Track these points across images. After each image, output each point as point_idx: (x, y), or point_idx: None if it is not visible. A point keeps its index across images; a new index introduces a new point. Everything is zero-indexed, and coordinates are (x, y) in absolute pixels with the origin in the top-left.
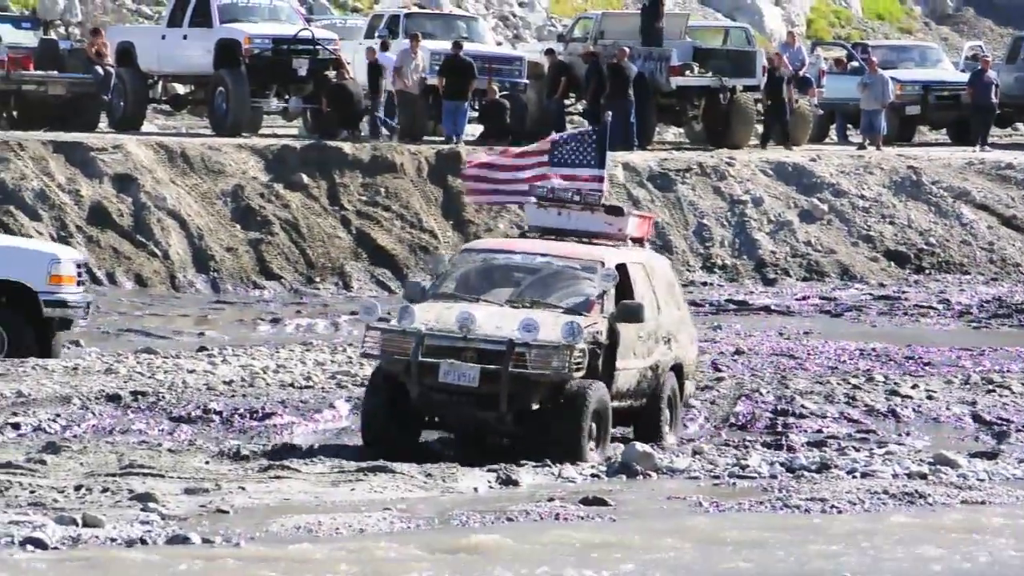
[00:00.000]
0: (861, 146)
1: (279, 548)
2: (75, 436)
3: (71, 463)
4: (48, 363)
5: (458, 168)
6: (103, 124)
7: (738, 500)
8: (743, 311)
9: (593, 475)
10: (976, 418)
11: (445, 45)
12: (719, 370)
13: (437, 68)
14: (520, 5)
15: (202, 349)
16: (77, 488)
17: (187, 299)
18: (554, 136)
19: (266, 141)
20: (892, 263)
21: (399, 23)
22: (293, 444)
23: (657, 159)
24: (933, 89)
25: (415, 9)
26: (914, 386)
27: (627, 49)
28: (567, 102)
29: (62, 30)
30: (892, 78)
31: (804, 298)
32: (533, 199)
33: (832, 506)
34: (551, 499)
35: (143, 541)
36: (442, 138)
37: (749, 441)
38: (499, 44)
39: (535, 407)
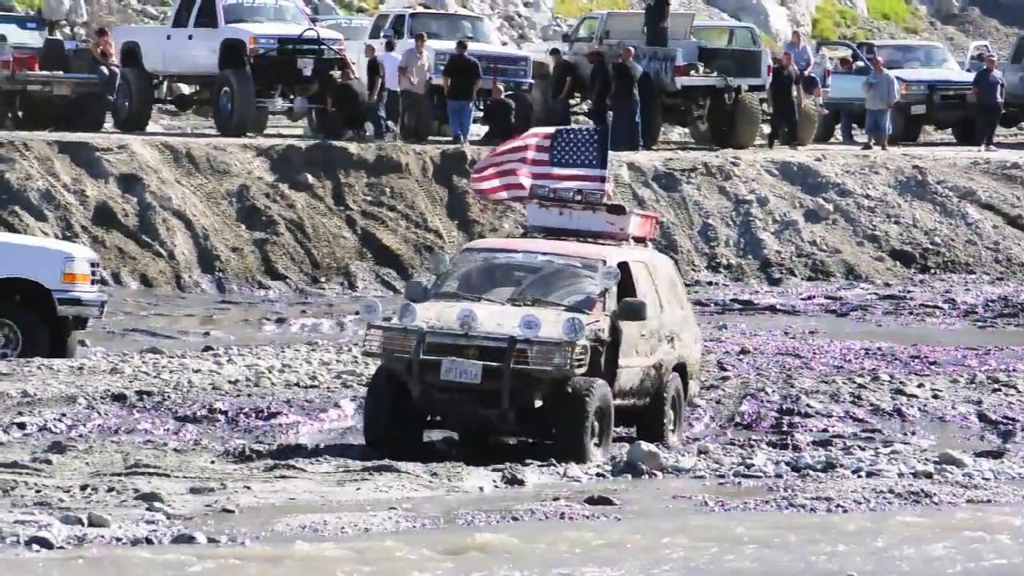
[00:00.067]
0: (866, 146)
1: (284, 548)
2: (81, 436)
3: (77, 463)
4: (54, 363)
5: (463, 168)
6: (108, 124)
7: (743, 499)
8: (748, 311)
9: (598, 474)
10: (982, 417)
11: (450, 45)
12: (724, 369)
13: (442, 68)
14: (525, 5)
15: (207, 349)
16: (83, 488)
17: (192, 299)
18: (557, 128)
19: (271, 141)
20: (897, 263)
21: (404, 23)
22: (298, 444)
23: (662, 159)
24: (938, 89)
25: (420, 9)
26: (920, 385)
27: (632, 49)
28: (572, 102)
29: (67, 30)
30: (897, 78)
31: (809, 297)
32: (535, 199)
33: (838, 505)
34: (556, 498)
35: (148, 541)
36: (447, 138)
37: (754, 440)
38: (504, 44)
39: (537, 404)
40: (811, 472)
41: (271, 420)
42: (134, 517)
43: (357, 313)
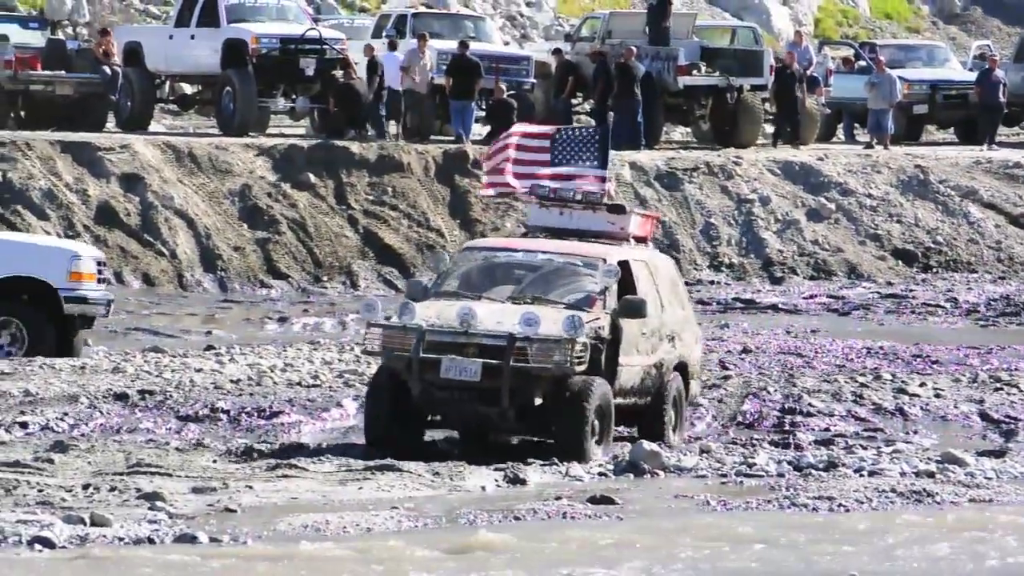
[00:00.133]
0: (868, 145)
1: (287, 547)
2: (83, 435)
3: (79, 462)
4: (56, 362)
5: (465, 168)
6: (110, 124)
7: (746, 499)
8: (750, 310)
9: (600, 474)
10: (984, 416)
11: (452, 45)
12: (727, 368)
13: (444, 68)
14: (527, 5)
15: (209, 348)
16: (85, 487)
17: (194, 298)
18: (559, 127)
19: (273, 141)
20: (899, 262)
21: (407, 23)
22: (300, 443)
23: (664, 158)
24: (941, 88)
25: (422, 9)
26: (922, 384)
27: (634, 48)
28: (574, 102)
29: (70, 30)
30: (900, 77)
31: (811, 297)
32: (535, 199)
33: (840, 504)
34: (559, 498)
35: (151, 540)
36: (449, 137)
37: (756, 439)
38: (506, 44)
39: (537, 402)
40: (813, 471)
41: (273, 419)
42: (136, 516)
43: (358, 312)
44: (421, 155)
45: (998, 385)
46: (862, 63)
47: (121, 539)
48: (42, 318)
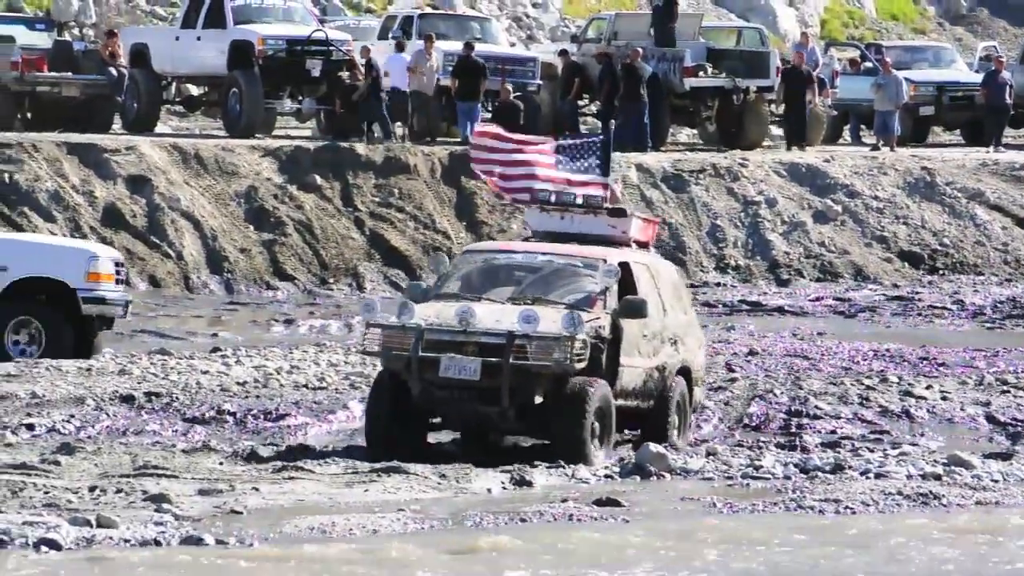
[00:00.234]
0: (875, 147)
1: (293, 549)
2: (89, 437)
3: (85, 464)
4: (62, 364)
5: (471, 169)
6: (117, 125)
7: (752, 501)
8: (757, 312)
9: (607, 476)
10: (990, 419)
11: (458, 46)
12: (733, 371)
13: (450, 69)
14: (533, 6)
15: (216, 350)
16: (91, 489)
17: (201, 300)
18: (559, 142)
19: (279, 142)
20: (906, 264)
21: (412, 24)
22: (307, 445)
23: (671, 160)
24: (947, 90)
25: (428, 10)
26: (928, 387)
27: (640, 50)
28: (580, 103)
29: (76, 31)
30: (906, 79)
31: (818, 299)
32: (536, 204)
33: (846, 507)
34: (565, 500)
35: (157, 542)
36: (455, 139)
37: (763, 442)
38: (512, 45)
39: (538, 401)
40: (820, 474)
41: (279, 421)
42: (143, 518)
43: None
44: (427, 157)
45: (1005, 388)
46: (868, 64)
47: (127, 541)
48: (60, 318)
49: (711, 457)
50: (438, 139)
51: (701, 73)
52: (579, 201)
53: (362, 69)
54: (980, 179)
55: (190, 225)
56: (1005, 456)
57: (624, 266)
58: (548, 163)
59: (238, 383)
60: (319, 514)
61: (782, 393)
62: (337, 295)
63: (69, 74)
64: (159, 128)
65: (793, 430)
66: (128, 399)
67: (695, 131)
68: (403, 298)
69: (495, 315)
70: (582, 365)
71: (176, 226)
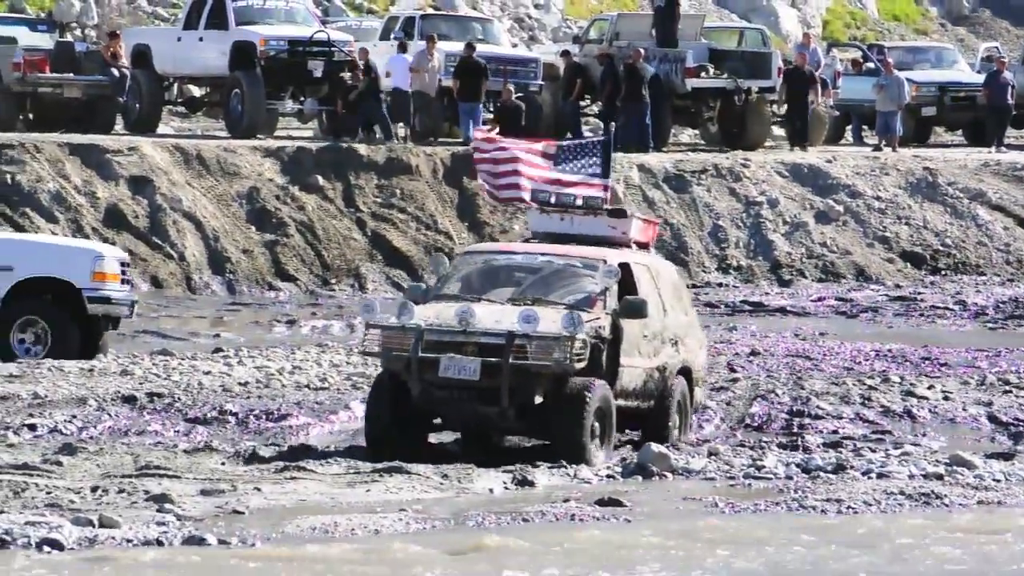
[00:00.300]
0: (877, 147)
1: (295, 549)
2: (91, 437)
3: (87, 464)
4: (64, 364)
5: (473, 170)
6: (119, 126)
7: (754, 501)
8: (759, 312)
9: (609, 476)
10: (992, 419)
11: (461, 47)
12: (735, 371)
13: (452, 70)
14: (535, 7)
15: (218, 351)
16: (93, 489)
17: (203, 301)
18: (559, 143)
19: (281, 143)
20: (908, 264)
21: (415, 25)
22: (309, 445)
23: (672, 160)
24: (949, 90)
25: (430, 11)
26: (930, 387)
27: (642, 51)
28: (582, 104)
29: (78, 32)
30: (908, 79)
31: (820, 299)
32: (536, 205)
33: (848, 507)
34: (567, 500)
35: (159, 542)
36: (457, 139)
37: (765, 442)
38: (514, 46)
39: (538, 401)
40: (821, 474)
41: (281, 422)
42: (145, 519)
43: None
44: (429, 157)
45: (1007, 388)
46: (870, 65)
47: (130, 541)
48: (65, 318)
49: (713, 457)
50: (440, 140)
51: (703, 74)
52: (579, 202)
53: (362, 70)
54: (982, 179)
55: (192, 226)
56: (1007, 456)
57: (624, 267)
58: (539, 164)
59: (240, 383)
60: (321, 514)
61: (784, 393)
62: (339, 296)
63: (71, 75)
64: (161, 129)
65: (795, 430)
66: (130, 399)
67: (697, 132)
68: (403, 299)
69: (495, 315)
70: (582, 365)
71: (178, 227)
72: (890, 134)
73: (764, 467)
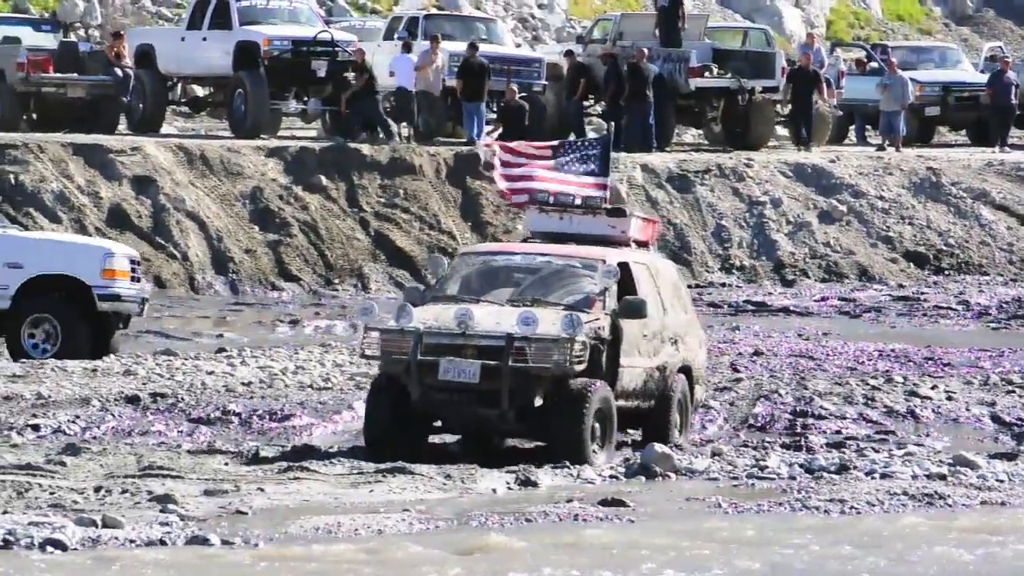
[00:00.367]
0: (880, 147)
1: (298, 549)
2: (94, 438)
3: (91, 465)
4: (68, 364)
5: (477, 170)
6: (122, 126)
7: (757, 501)
8: (762, 312)
9: (612, 476)
10: (996, 419)
11: (464, 47)
12: (738, 371)
13: (455, 70)
14: (539, 7)
15: (221, 351)
16: (97, 489)
17: (206, 301)
18: (558, 143)
19: (285, 143)
20: (911, 264)
21: (418, 25)
22: (312, 445)
23: (676, 160)
24: (953, 90)
25: (434, 11)
26: (933, 387)
27: (646, 50)
28: (586, 104)
29: (82, 32)
30: (912, 79)
31: (823, 299)
32: (535, 205)
33: (851, 507)
34: (570, 500)
35: (162, 542)
36: (460, 139)
37: (768, 442)
38: (518, 46)
39: (538, 403)
40: (825, 474)
41: (284, 422)
42: (148, 519)
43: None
44: (433, 157)
45: (1010, 388)
46: (874, 65)
47: (133, 541)
48: (75, 315)
49: (716, 457)
50: (443, 140)
51: (706, 73)
52: (578, 202)
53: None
54: (985, 179)
55: (195, 226)
56: (1010, 456)
57: (623, 266)
58: (548, 166)
59: (243, 384)
60: (324, 514)
61: (787, 393)
62: (342, 296)
63: (75, 75)
64: (164, 129)
65: (798, 430)
66: (133, 400)
67: (700, 131)
68: (401, 301)
69: (494, 317)
70: (582, 367)
71: (181, 227)
72: (894, 134)
73: (767, 467)
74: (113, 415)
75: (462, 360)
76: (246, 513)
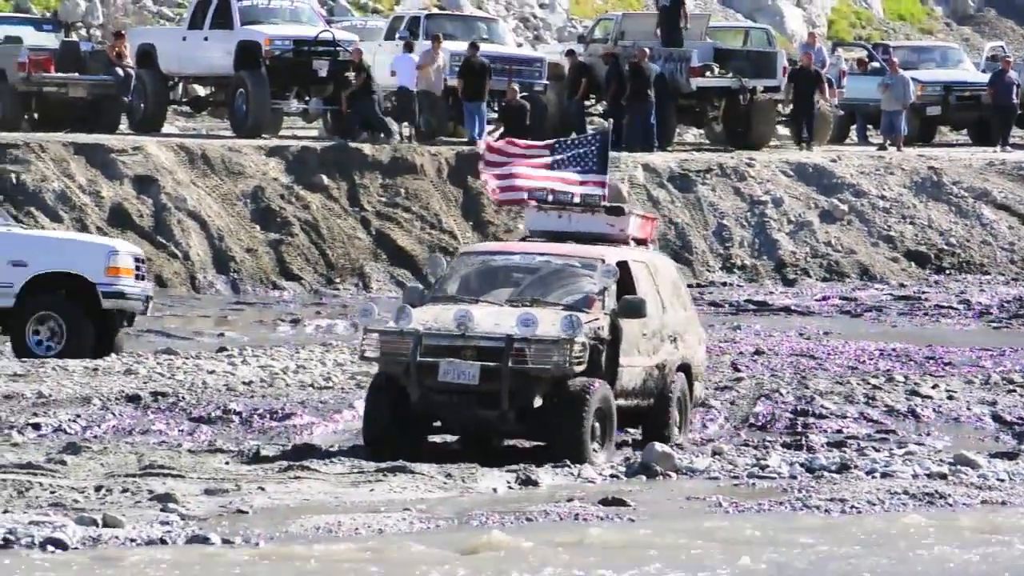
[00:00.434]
0: (882, 147)
1: (299, 548)
2: (95, 437)
3: (91, 464)
4: (68, 363)
5: (478, 170)
6: (124, 126)
7: (758, 500)
8: (763, 311)
9: (612, 475)
10: (996, 418)
11: (466, 47)
12: (739, 370)
13: (457, 69)
14: (540, 6)
15: (222, 350)
16: (97, 489)
17: (207, 300)
18: (554, 141)
19: (286, 142)
20: (912, 263)
21: (420, 24)
22: (312, 445)
23: (677, 160)
24: (954, 89)
25: (435, 11)
26: (934, 386)
27: (647, 50)
28: (587, 103)
29: (83, 32)
30: (913, 79)
31: (824, 298)
32: (533, 203)
33: (852, 507)
34: (570, 499)
35: (163, 541)
36: (461, 139)
37: (769, 441)
38: (519, 45)
39: (537, 404)
40: (825, 473)
41: (285, 421)
42: (149, 518)
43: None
44: (434, 157)
45: (1011, 387)
46: (875, 64)
47: (133, 540)
48: (80, 313)
49: (717, 456)
50: (444, 139)
51: (708, 73)
52: (576, 200)
53: (370, 69)
54: (987, 179)
55: (197, 225)
56: (1011, 455)
57: (622, 265)
58: (535, 164)
59: (244, 383)
60: (325, 514)
61: (788, 392)
62: (343, 295)
63: (76, 75)
64: (166, 128)
65: (799, 429)
66: (134, 399)
67: (702, 131)
68: (400, 303)
69: (493, 318)
70: (581, 368)
71: (183, 226)
72: (895, 133)
73: (768, 466)
74: (114, 414)
75: (462, 362)
76: (247, 512)
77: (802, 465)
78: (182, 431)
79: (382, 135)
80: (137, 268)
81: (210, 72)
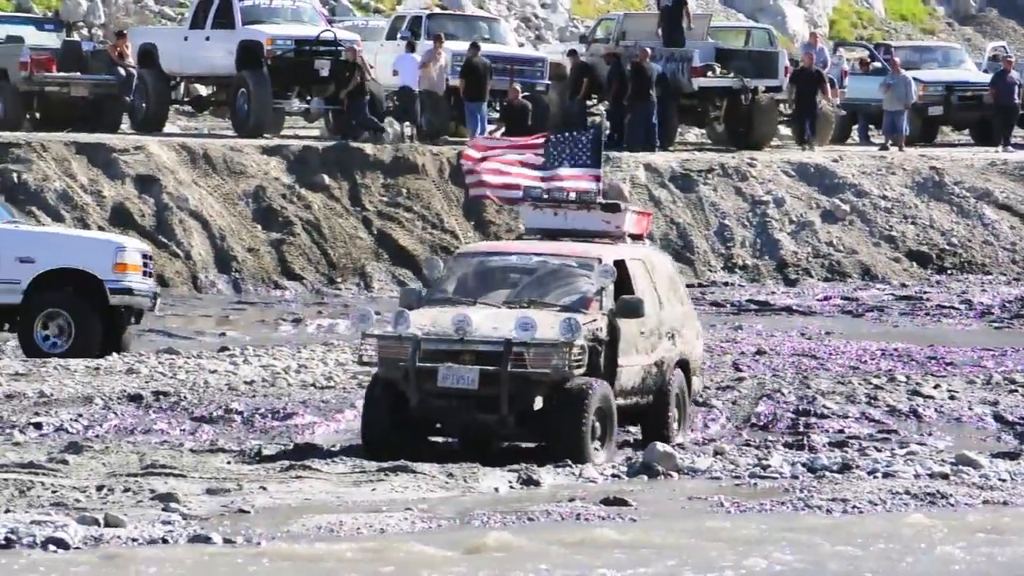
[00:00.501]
0: (883, 147)
1: (300, 548)
2: (97, 436)
3: (93, 463)
4: (70, 363)
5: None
6: (125, 125)
7: (759, 500)
8: (765, 311)
9: (614, 475)
10: (998, 418)
11: (467, 46)
12: (740, 370)
13: (458, 69)
14: (542, 6)
15: (224, 349)
16: (99, 488)
17: (209, 299)
18: (545, 138)
19: (288, 142)
20: (914, 263)
21: (421, 24)
22: (314, 444)
23: (679, 160)
24: (956, 89)
25: (437, 10)
26: (936, 386)
27: (649, 50)
28: (589, 103)
29: (85, 32)
30: (915, 79)
31: (826, 298)
32: (527, 200)
33: (853, 506)
34: (572, 499)
35: (165, 541)
36: (463, 139)
37: (770, 441)
38: (521, 45)
39: (537, 407)
40: (827, 473)
41: (287, 421)
42: (150, 517)
43: (377, 313)
44: (435, 156)
45: (1013, 387)
46: (877, 64)
47: (135, 540)
48: (88, 310)
49: (718, 456)
50: (446, 139)
51: (709, 73)
52: (572, 197)
53: (370, 69)
54: (988, 179)
55: (198, 225)
56: (1013, 455)
57: (619, 264)
58: (531, 162)
59: (246, 382)
60: (326, 513)
61: (790, 392)
62: (345, 295)
63: (78, 74)
64: (167, 128)
65: (801, 429)
66: (136, 398)
67: (703, 131)
68: (398, 307)
69: (491, 321)
70: (581, 370)
71: (184, 226)
72: (896, 133)
73: (770, 466)
74: (116, 413)
75: (461, 366)
76: (248, 512)
77: (804, 465)
78: (184, 431)
79: (366, 134)
80: (144, 264)
81: (212, 72)
